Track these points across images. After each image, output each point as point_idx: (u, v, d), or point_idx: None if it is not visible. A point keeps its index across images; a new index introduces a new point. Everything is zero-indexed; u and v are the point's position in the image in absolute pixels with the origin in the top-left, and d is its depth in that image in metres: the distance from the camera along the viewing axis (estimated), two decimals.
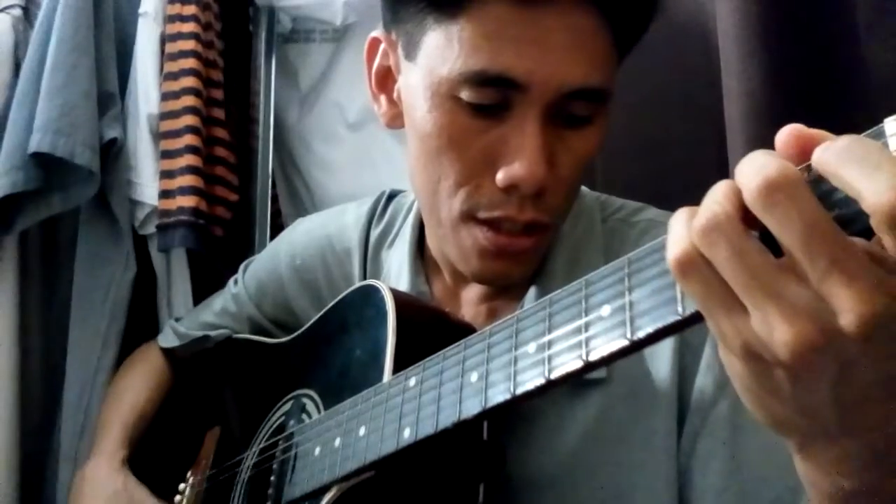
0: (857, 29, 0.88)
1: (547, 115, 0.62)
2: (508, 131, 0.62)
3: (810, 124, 0.37)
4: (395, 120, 0.72)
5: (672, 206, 0.75)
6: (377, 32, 0.73)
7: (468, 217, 0.66)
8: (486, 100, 0.61)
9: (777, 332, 0.34)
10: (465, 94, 0.61)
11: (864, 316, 0.32)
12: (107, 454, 0.90)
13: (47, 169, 1.08)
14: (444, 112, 0.63)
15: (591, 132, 0.65)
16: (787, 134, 0.36)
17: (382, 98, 0.74)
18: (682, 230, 0.37)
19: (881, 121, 0.34)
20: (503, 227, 0.65)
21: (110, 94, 1.17)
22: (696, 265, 0.36)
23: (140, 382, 1.00)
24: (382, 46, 0.72)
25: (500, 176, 0.62)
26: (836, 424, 0.37)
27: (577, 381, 0.67)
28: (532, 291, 0.71)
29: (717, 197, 0.35)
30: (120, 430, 0.93)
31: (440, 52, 0.62)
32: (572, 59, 0.61)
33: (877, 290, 0.32)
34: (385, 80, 0.73)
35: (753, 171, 0.34)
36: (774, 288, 0.34)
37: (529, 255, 0.68)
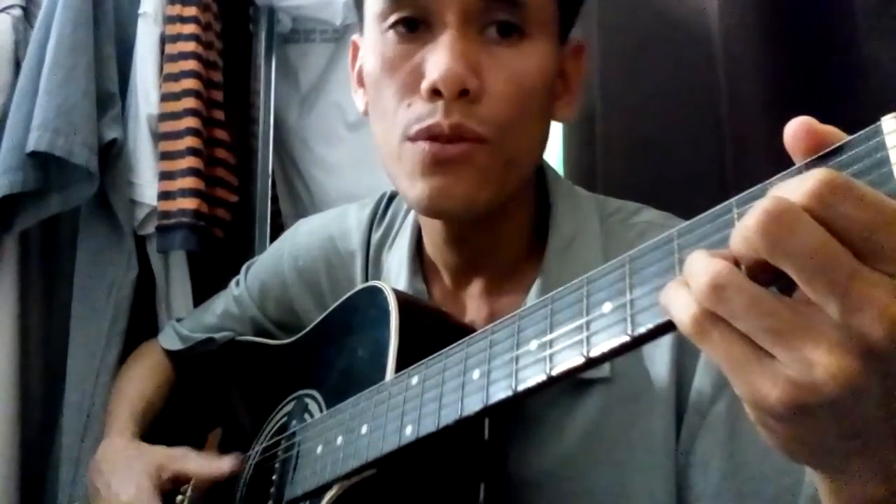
0: (857, 29, 0.88)
1: (465, 25, 0.65)
2: (430, 48, 0.65)
3: None
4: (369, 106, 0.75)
5: (672, 206, 0.76)
6: (356, 37, 0.77)
7: (405, 138, 0.67)
8: (407, 13, 0.66)
9: (818, 367, 0.33)
10: (393, 17, 0.67)
11: (890, 325, 0.32)
12: (118, 434, 0.91)
13: (46, 169, 1.08)
14: (379, 46, 0.68)
15: (527, 49, 0.67)
16: (798, 127, 0.36)
17: (361, 91, 0.77)
18: (685, 297, 0.37)
19: (887, 115, 0.34)
20: (435, 137, 0.65)
21: (110, 94, 1.17)
22: (715, 325, 0.36)
23: (145, 374, 1.00)
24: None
25: (422, 85, 0.65)
26: (881, 436, 0.36)
27: (581, 380, 0.67)
28: (533, 292, 0.71)
29: (705, 261, 0.36)
30: (128, 415, 0.93)
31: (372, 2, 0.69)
32: None
33: (894, 296, 0.32)
34: (362, 76, 0.76)
35: (750, 215, 0.34)
36: (802, 323, 0.34)
37: (468, 166, 0.66)
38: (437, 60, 0.64)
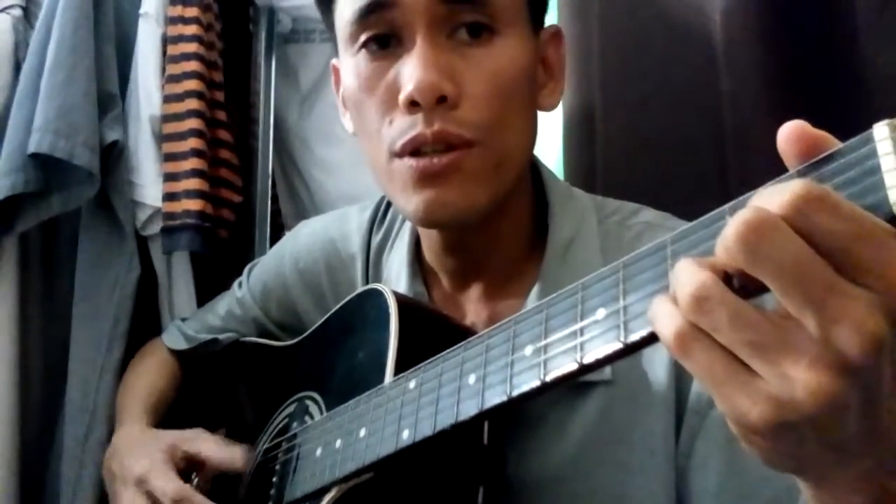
0: (858, 29, 0.88)
1: (434, 32, 0.65)
2: (402, 62, 0.66)
3: (811, 125, 0.37)
4: None
5: (672, 207, 0.75)
6: (336, 60, 0.78)
7: (392, 155, 0.67)
8: (375, 30, 0.67)
9: (798, 383, 0.33)
10: (363, 37, 0.68)
11: (866, 340, 0.32)
12: (130, 423, 0.91)
13: (47, 170, 1.08)
14: (355, 67, 0.69)
15: (500, 46, 0.67)
16: (790, 131, 0.36)
17: (348, 114, 0.78)
18: (669, 310, 0.37)
19: (879, 122, 0.34)
20: (422, 151, 0.65)
21: (111, 94, 1.16)
22: (696, 338, 0.36)
23: (154, 369, 1.01)
24: None
25: (399, 98, 0.65)
26: (861, 447, 0.36)
27: (582, 383, 0.67)
28: (533, 295, 0.71)
29: (691, 271, 0.36)
30: (140, 408, 0.94)
31: (341, 21, 0.70)
32: None
33: (871, 309, 0.32)
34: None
35: (730, 225, 0.34)
36: (782, 338, 0.34)
37: (458, 175, 0.66)
38: (410, 72, 0.64)
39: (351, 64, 0.70)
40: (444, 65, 0.64)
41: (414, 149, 0.65)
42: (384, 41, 0.67)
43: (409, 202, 0.67)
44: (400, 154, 0.66)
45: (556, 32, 0.76)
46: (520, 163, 0.72)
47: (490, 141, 0.67)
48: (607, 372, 0.67)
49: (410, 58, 0.65)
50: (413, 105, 0.64)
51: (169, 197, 1.17)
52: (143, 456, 0.80)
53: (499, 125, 0.67)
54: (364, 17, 0.67)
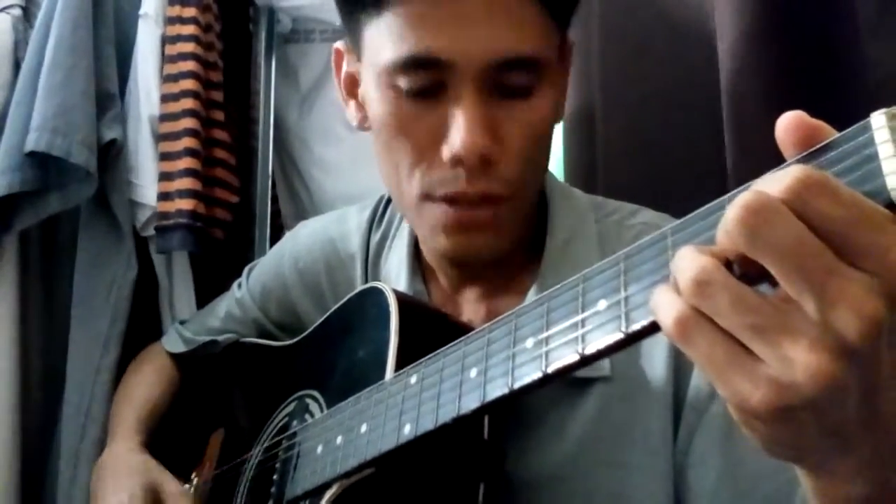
0: (859, 29, 0.88)
1: (482, 88, 0.64)
2: (447, 110, 0.64)
3: None
4: (364, 122, 0.75)
5: (672, 207, 0.75)
6: (339, 43, 0.77)
7: (427, 197, 0.67)
8: (420, 83, 0.64)
9: (798, 366, 0.33)
10: (402, 82, 0.65)
11: (865, 323, 0.32)
12: (123, 439, 0.91)
13: (45, 169, 1.08)
14: (388, 101, 0.67)
15: (538, 102, 0.67)
16: (789, 121, 0.36)
17: (352, 103, 0.77)
18: (670, 296, 0.37)
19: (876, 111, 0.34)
20: (459, 201, 0.66)
21: (110, 94, 1.17)
22: (698, 323, 0.36)
23: (150, 378, 1.00)
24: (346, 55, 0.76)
25: (444, 152, 0.64)
26: (861, 434, 0.36)
27: (581, 379, 0.67)
28: (530, 295, 0.71)
29: (691, 257, 0.36)
30: (135, 420, 0.93)
31: (375, 47, 0.66)
32: (493, 31, 0.63)
33: (870, 293, 0.32)
34: (352, 86, 0.76)
35: (730, 209, 0.34)
36: (783, 320, 0.34)
37: (492, 226, 0.68)
38: (459, 132, 0.63)
39: (384, 95, 0.67)
40: (490, 123, 0.64)
41: (452, 199, 0.66)
42: (427, 89, 0.65)
43: (438, 241, 0.69)
44: (436, 199, 0.67)
45: (569, 48, 0.76)
46: (538, 189, 0.75)
47: (522, 192, 0.69)
48: (606, 367, 0.67)
49: (458, 113, 0.64)
50: (458, 162, 0.64)
51: (163, 196, 1.17)
52: (124, 492, 0.81)
53: (530, 175, 0.69)
54: (407, 68, 0.64)
